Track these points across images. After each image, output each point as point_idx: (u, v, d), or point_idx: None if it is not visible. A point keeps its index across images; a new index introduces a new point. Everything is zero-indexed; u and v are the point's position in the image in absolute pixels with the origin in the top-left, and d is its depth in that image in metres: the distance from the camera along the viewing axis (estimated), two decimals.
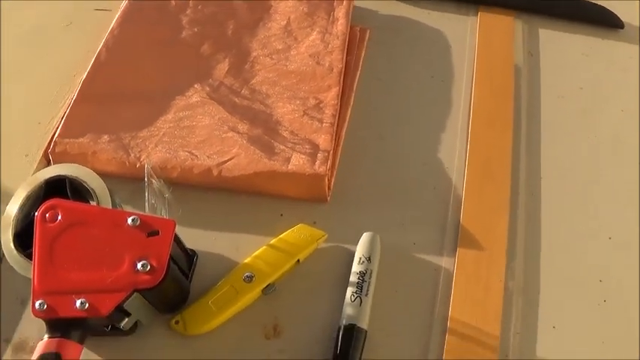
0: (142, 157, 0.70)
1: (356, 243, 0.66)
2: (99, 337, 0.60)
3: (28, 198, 0.63)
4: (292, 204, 0.70)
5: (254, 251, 0.65)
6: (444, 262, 0.67)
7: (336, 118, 0.74)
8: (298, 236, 0.66)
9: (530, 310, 0.65)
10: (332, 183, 0.71)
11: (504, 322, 0.63)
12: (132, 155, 0.70)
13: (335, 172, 0.71)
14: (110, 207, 0.61)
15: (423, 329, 0.63)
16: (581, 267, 0.68)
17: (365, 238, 0.66)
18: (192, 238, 0.65)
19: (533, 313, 0.64)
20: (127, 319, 0.58)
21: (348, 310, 0.61)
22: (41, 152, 0.74)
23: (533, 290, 0.66)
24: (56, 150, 0.71)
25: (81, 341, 0.57)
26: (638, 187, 0.74)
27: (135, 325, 0.60)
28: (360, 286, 0.62)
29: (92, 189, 0.62)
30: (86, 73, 0.78)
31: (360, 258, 0.64)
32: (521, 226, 0.71)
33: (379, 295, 0.63)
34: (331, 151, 0.70)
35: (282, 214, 0.70)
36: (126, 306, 0.56)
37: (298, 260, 0.65)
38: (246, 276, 0.62)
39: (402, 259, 0.67)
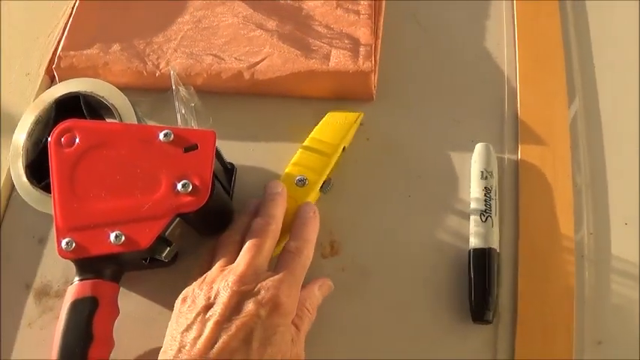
0: (162, 65, 0.57)
1: (407, 143, 0.56)
2: (135, 271, 0.49)
3: (36, 122, 0.52)
4: (334, 105, 0.58)
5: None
6: (506, 159, 0.56)
7: (374, 9, 0.61)
8: (334, 124, 0.55)
9: (600, 207, 0.54)
10: (376, 80, 0.59)
11: (576, 221, 0.53)
12: (149, 64, 0.58)
13: (377, 68, 0.59)
14: (135, 123, 0.49)
15: None
16: None
17: (481, 149, 0.55)
18: (226, 150, 0.53)
19: (604, 210, 0.54)
20: (168, 249, 0.46)
21: (481, 231, 0.51)
22: (43, 69, 0.61)
23: (602, 185, 0.55)
24: (61, 65, 0.59)
25: (117, 279, 0.46)
26: None
27: (176, 255, 0.49)
28: (488, 204, 0.52)
29: (112, 104, 0.51)
30: None
31: (482, 172, 0.53)
32: (581, 116, 0.59)
33: None
34: (373, 45, 0.58)
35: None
36: (168, 235, 0.44)
37: (344, 148, 0.54)
38: (298, 180, 0.51)
39: (461, 158, 0.56)
